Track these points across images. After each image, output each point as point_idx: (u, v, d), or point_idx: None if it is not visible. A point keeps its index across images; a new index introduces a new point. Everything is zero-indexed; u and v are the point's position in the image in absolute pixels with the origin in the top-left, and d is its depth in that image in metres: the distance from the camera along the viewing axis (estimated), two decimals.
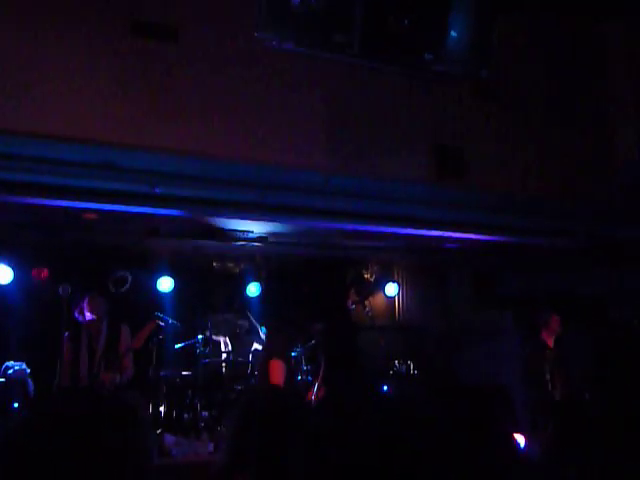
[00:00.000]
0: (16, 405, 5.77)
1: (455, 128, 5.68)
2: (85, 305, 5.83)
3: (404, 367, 6.91)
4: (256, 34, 4.12)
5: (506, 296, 7.11)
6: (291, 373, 5.22)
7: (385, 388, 6.84)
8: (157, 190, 4.87)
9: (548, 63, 5.71)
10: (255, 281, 7.38)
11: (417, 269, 8.01)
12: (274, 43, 4.15)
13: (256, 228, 6.71)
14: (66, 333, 5.83)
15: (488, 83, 5.72)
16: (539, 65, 5.68)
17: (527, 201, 5.93)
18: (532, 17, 5.55)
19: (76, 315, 5.90)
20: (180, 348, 6.98)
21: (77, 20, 4.41)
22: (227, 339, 7.36)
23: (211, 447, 6.20)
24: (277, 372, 5.13)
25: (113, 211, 5.39)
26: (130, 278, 6.84)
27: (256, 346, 7.15)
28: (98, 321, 5.90)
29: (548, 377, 5.81)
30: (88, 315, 5.85)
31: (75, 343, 5.74)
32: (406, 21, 4.58)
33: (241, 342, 7.44)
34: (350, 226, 5.93)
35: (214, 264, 7.41)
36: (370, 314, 5.06)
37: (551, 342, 6.20)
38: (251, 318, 7.15)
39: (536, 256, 6.76)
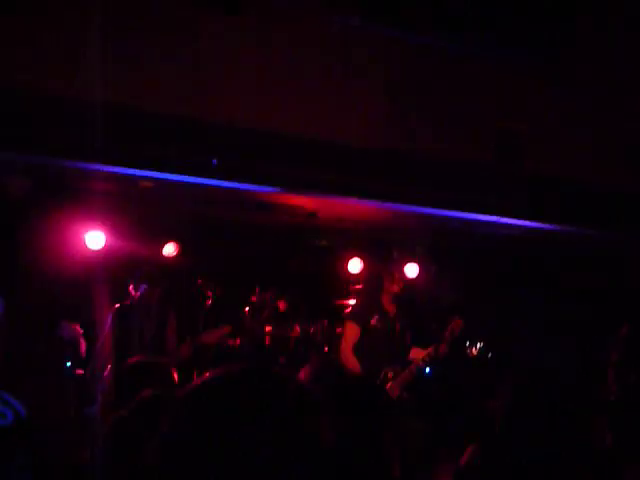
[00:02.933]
0: (69, 364, 5.94)
1: (517, 112, 5.59)
2: (141, 289, 5.69)
3: (475, 349, 6.94)
4: (322, 10, 4.13)
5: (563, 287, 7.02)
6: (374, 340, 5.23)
7: (427, 370, 6.82)
8: (214, 162, 4.93)
9: (617, 48, 5.56)
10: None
11: (460, 252, 7.94)
12: (340, 19, 4.14)
13: (306, 204, 6.74)
14: (117, 305, 5.73)
15: (552, 67, 5.61)
16: (607, 50, 5.54)
17: (588, 190, 5.82)
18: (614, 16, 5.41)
19: (130, 289, 5.76)
20: (227, 317, 7.07)
21: None
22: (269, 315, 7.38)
23: None
24: (347, 334, 5.32)
25: (169, 180, 5.48)
26: None
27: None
28: (151, 302, 5.74)
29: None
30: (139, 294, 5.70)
31: (124, 319, 5.61)
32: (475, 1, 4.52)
33: (282, 319, 7.48)
34: (404, 207, 5.90)
35: (265, 239, 7.45)
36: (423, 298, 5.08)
37: None
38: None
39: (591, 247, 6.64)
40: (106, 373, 5.43)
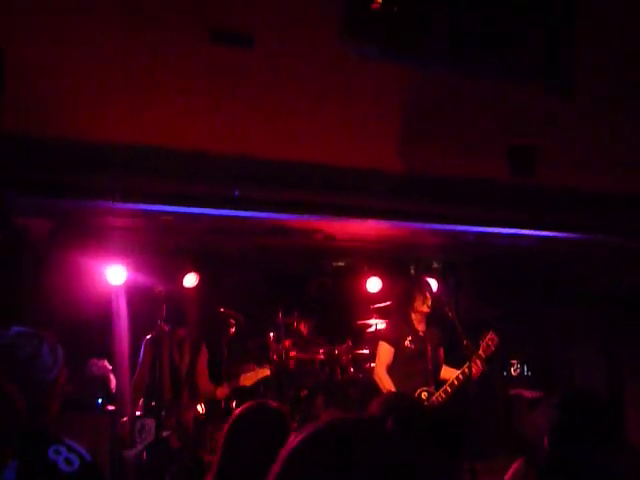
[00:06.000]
0: (100, 401, 5.99)
1: (529, 127, 5.67)
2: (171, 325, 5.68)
3: (515, 370, 6.96)
4: (338, 41, 4.21)
5: (581, 294, 7.04)
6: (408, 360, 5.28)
7: None
8: (236, 193, 5.01)
9: (628, 62, 5.64)
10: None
11: (481, 266, 7.98)
12: (357, 49, 4.23)
13: (323, 227, 6.80)
14: (148, 336, 5.73)
15: (563, 82, 5.69)
16: (617, 65, 5.62)
17: (600, 200, 5.87)
18: (615, 18, 5.49)
19: (162, 325, 5.69)
20: (251, 344, 7.14)
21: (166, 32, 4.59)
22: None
23: None
24: (380, 355, 5.36)
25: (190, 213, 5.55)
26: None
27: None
28: (183, 335, 5.74)
29: None
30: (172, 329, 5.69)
31: (156, 350, 5.56)
32: (484, 27, 4.62)
33: (306, 342, 7.50)
34: (421, 226, 5.97)
35: (282, 263, 7.52)
36: (451, 315, 5.09)
37: None
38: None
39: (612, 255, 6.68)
40: (138, 410, 5.48)
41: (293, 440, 1.13)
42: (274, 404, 2.65)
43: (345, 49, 4.29)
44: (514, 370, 7.17)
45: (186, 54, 4.81)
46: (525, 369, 7.27)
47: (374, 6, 4.06)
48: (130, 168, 4.53)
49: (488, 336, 5.17)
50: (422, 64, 4.53)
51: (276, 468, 1.11)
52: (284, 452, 1.12)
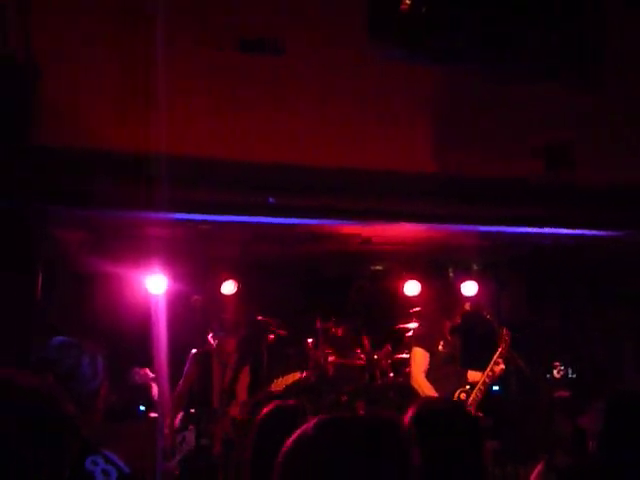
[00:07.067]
0: (142, 408, 6.07)
1: (563, 122, 5.57)
2: (220, 336, 5.77)
3: (557, 372, 6.89)
4: (366, 43, 4.20)
5: (628, 293, 6.89)
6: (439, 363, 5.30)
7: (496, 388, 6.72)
8: (270, 200, 5.03)
9: None
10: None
11: (522, 267, 7.85)
12: (383, 50, 4.22)
13: (360, 231, 6.78)
14: (193, 350, 5.83)
15: (595, 76, 5.59)
16: None
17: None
18: None
19: (209, 338, 5.82)
20: (290, 351, 7.15)
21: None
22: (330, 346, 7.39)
23: None
24: (416, 360, 5.35)
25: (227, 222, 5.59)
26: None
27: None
28: (229, 351, 5.81)
29: None
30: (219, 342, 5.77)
31: (204, 365, 5.68)
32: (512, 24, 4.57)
33: (345, 348, 7.47)
34: (458, 227, 5.91)
35: (319, 269, 7.52)
36: (489, 317, 5.08)
37: None
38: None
39: None
40: (177, 421, 5.52)
41: (304, 427, 1.20)
42: (292, 401, 2.72)
43: (371, 52, 4.28)
44: (557, 372, 7.06)
45: (192, 57, 4.85)
46: (569, 371, 7.13)
47: (402, 7, 4.04)
48: (164, 178, 4.58)
49: (503, 333, 5.26)
50: (448, 62, 4.50)
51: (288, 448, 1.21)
52: (297, 435, 1.22)
